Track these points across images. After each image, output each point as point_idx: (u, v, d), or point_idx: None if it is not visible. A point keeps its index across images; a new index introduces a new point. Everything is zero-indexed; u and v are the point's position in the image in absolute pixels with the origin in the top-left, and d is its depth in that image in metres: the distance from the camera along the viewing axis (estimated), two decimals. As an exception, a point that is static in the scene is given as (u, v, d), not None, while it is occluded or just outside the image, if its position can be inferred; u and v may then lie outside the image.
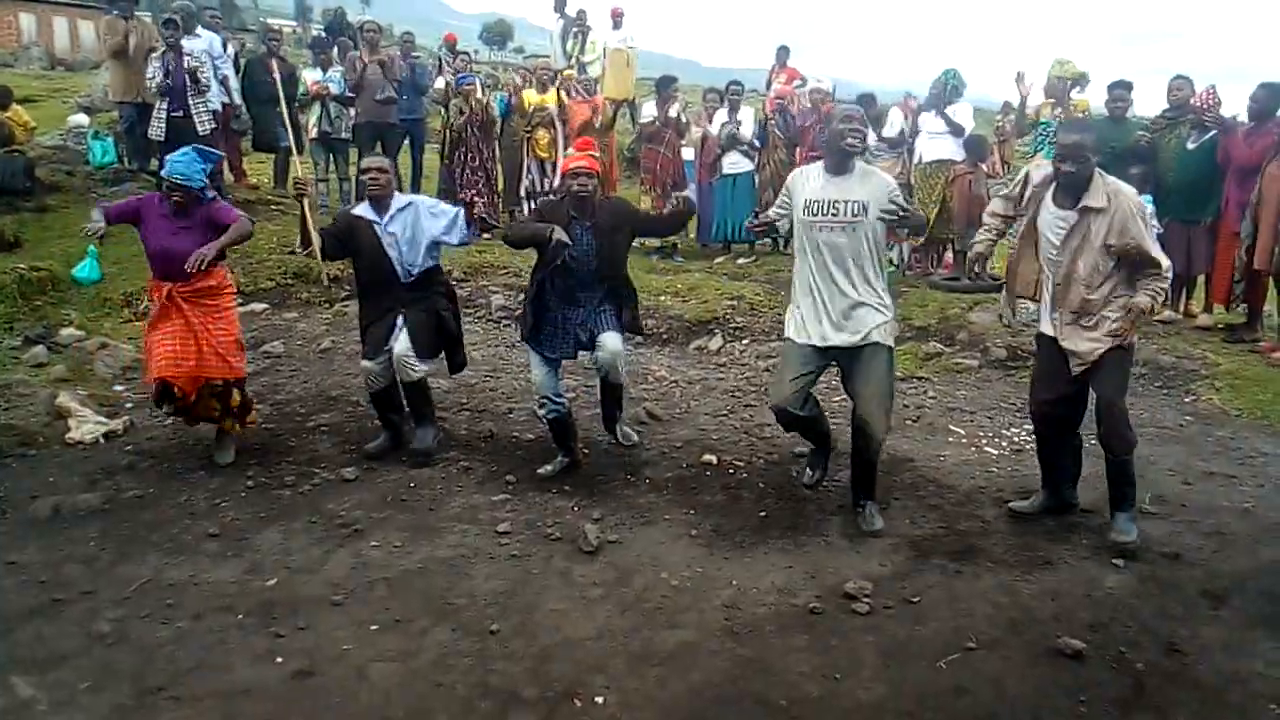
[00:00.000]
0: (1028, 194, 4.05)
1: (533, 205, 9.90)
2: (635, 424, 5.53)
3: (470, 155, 9.73)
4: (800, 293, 4.19)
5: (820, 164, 4.17)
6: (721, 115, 9.59)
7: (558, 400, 4.79)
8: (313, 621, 3.47)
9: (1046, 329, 4.07)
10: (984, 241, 4.48)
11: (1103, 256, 3.80)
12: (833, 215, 3.98)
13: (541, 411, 4.86)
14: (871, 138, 8.37)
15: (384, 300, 4.94)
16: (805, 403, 4.21)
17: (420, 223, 4.88)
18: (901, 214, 3.86)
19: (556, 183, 9.68)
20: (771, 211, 4.35)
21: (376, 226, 4.86)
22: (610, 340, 4.67)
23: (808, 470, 4.58)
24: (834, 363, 4.21)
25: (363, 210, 4.95)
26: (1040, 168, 4.08)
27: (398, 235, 4.86)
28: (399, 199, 4.92)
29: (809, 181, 4.12)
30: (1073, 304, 3.89)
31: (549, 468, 4.85)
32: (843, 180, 4.02)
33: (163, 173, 4.78)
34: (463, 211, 4.99)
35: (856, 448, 4.18)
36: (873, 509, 4.24)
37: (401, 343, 4.82)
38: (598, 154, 4.54)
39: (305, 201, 5.24)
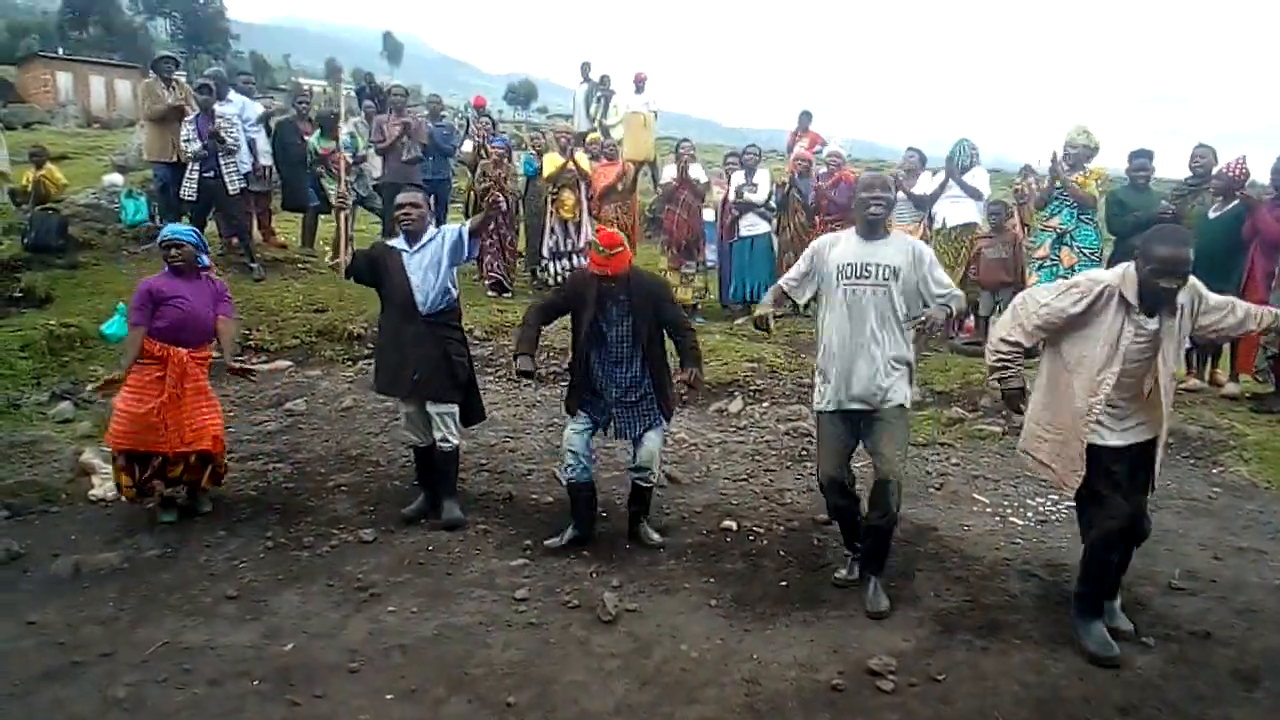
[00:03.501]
0: (1112, 314, 3.57)
1: (556, 267, 10.01)
2: (656, 487, 5.51)
3: (486, 219, 9.85)
4: (827, 357, 4.18)
5: (851, 230, 4.25)
6: (739, 177, 9.71)
7: (584, 461, 4.71)
8: (329, 690, 3.44)
9: (1107, 441, 3.69)
10: (1016, 375, 3.86)
11: (1177, 350, 3.62)
12: (865, 276, 4.06)
13: (566, 472, 4.78)
14: (901, 195, 8.46)
15: (401, 334, 4.97)
16: (850, 475, 4.25)
17: (442, 249, 4.93)
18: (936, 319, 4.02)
19: (581, 243, 9.79)
20: (785, 281, 4.38)
21: (405, 255, 4.95)
22: (651, 440, 4.68)
23: (849, 564, 4.39)
24: (859, 426, 4.19)
25: (396, 241, 5.06)
26: (1128, 283, 3.54)
27: (422, 262, 4.92)
28: (430, 231, 4.99)
29: (840, 245, 4.20)
30: (1168, 406, 3.65)
31: (556, 540, 4.76)
32: (875, 244, 4.11)
33: (160, 236, 5.09)
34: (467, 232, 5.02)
35: (874, 509, 4.08)
36: (877, 586, 4.12)
37: (430, 406, 4.98)
38: (622, 246, 4.55)
39: (343, 216, 5.45)
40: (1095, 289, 3.60)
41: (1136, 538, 3.87)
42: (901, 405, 4.11)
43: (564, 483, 4.92)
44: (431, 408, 4.99)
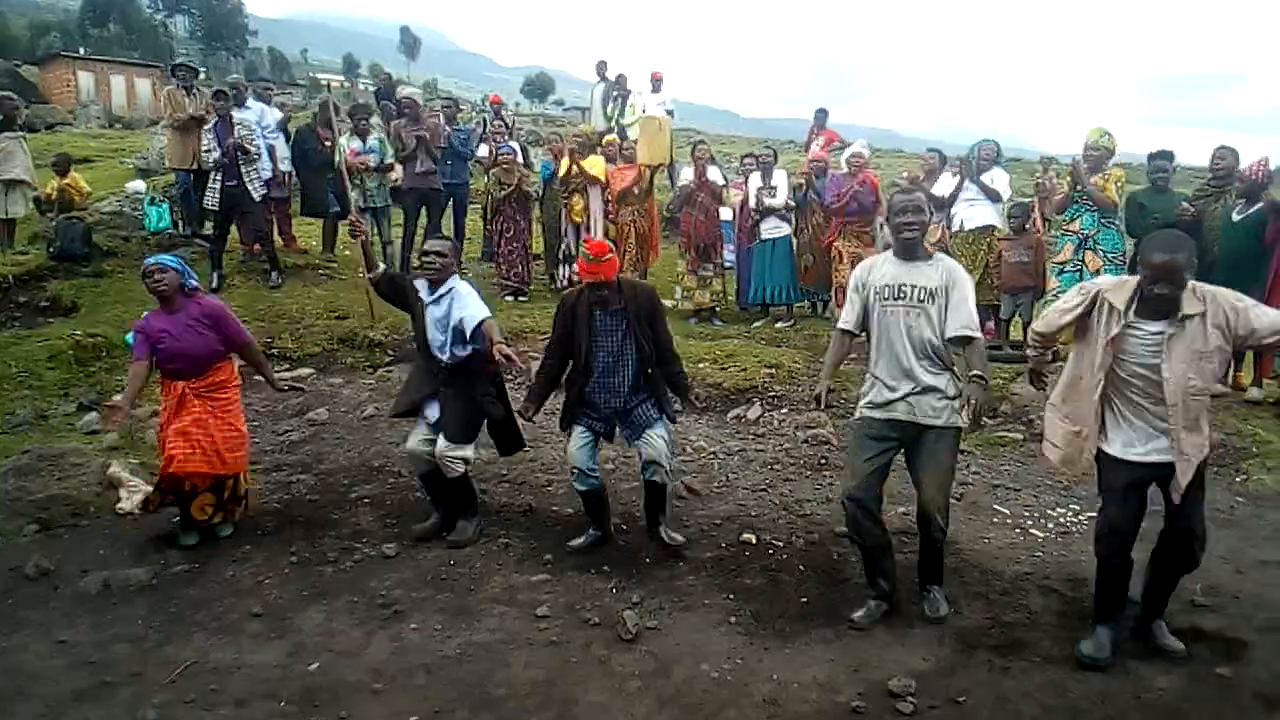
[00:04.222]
0: (1104, 318, 3.67)
1: (567, 270, 10.08)
2: (674, 498, 5.52)
3: (506, 225, 9.99)
4: (873, 370, 4.22)
5: (889, 252, 4.25)
6: (756, 180, 9.67)
7: (592, 474, 4.80)
8: (353, 711, 3.49)
9: (1119, 452, 3.74)
10: (1039, 359, 4.34)
11: (1197, 363, 3.52)
12: (902, 298, 4.06)
13: (575, 483, 4.87)
14: None
15: (427, 370, 5.01)
16: (878, 499, 4.17)
17: (453, 310, 4.85)
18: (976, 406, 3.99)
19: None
20: (841, 324, 4.35)
21: (423, 303, 4.94)
22: (653, 436, 4.71)
23: (867, 604, 4.20)
24: (900, 444, 4.17)
25: (420, 285, 5.01)
26: (1121, 289, 3.65)
27: (436, 317, 4.90)
28: (450, 283, 4.91)
29: (878, 268, 4.20)
30: (1178, 420, 3.58)
31: (579, 541, 4.91)
32: (913, 265, 4.10)
33: (144, 266, 4.96)
34: (489, 323, 4.80)
35: (921, 533, 4.16)
36: (938, 594, 4.21)
37: (440, 440, 4.89)
38: (610, 254, 4.55)
39: (360, 240, 5.45)
40: (1091, 294, 3.77)
41: (1185, 563, 3.80)
42: (944, 427, 4.06)
43: (578, 493, 4.97)
44: (445, 445, 4.91)
